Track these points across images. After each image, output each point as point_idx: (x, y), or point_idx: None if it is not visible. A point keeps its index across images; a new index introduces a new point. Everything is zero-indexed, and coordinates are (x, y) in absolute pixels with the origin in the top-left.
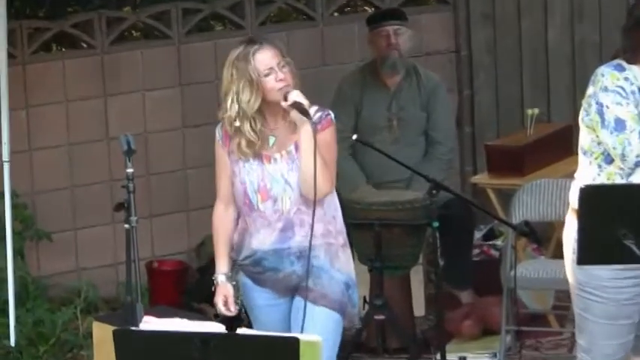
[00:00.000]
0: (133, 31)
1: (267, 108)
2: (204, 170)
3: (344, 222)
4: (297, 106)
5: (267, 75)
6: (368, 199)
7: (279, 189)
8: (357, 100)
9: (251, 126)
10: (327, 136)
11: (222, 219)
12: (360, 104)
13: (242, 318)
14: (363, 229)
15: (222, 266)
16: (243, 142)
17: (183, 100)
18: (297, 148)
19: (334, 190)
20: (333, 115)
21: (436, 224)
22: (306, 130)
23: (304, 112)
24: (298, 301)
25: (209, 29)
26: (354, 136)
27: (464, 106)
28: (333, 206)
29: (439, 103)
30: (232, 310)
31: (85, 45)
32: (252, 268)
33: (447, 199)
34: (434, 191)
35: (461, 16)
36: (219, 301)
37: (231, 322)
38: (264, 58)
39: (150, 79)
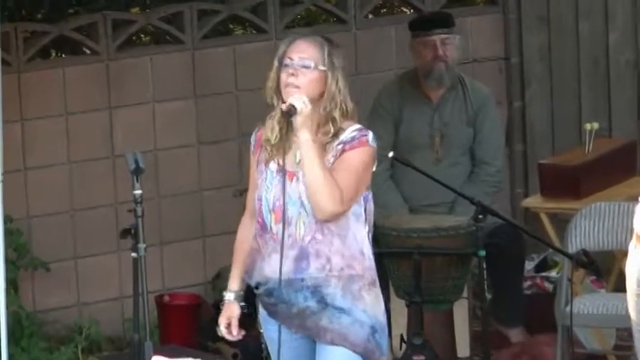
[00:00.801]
0: (142, 35)
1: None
2: (222, 192)
3: (378, 250)
4: (287, 109)
5: (285, 66)
6: (405, 225)
7: (295, 211)
8: (396, 115)
9: (278, 120)
10: (353, 156)
11: (246, 232)
12: (398, 119)
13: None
14: (400, 258)
15: (233, 283)
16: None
17: (198, 113)
18: None
19: (361, 221)
20: (371, 136)
21: (483, 253)
22: (304, 140)
23: (288, 117)
24: (322, 348)
25: (228, 33)
26: (391, 154)
27: (514, 120)
28: (359, 239)
29: (487, 118)
30: (235, 335)
31: (87, 51)
32: (267, 298)
33: (495, 225)
34: (480, 216)
35: (511, 19)
36: (222, 322)
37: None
38: (292, 48)
39: (161, 90)
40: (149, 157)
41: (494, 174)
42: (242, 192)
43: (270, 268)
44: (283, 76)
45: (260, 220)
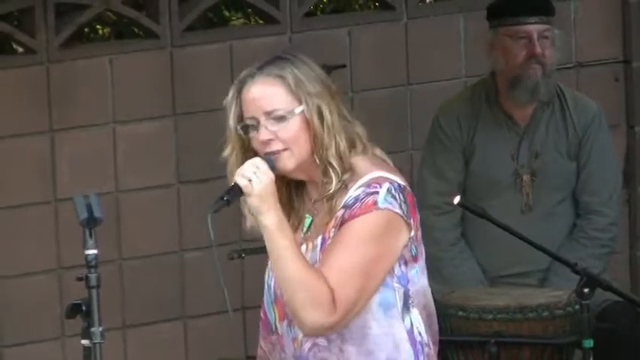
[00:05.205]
0: (99, 27)
1: (304, 170)
2: (212, 254)
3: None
4: (228, 194)
5: (245, 128)
6: (477, 302)
7: None
8: (466, 143)
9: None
10: (353, 229)
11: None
12: (469, 149)
13: None
14: (469, 350)
15: None
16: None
17: (178, 138)
18: (323, 242)
19: (396, 315)
20: (382, 193)
21: (590, 343)
22: (264, 227)
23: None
24: None
25: (222, 23)
26: (456, 199)
27: (636, 151)
28: (390, 344)
29: (598, 148)
30: None
31: (19, 48)
32: None
33: (608, 304)
34: (586, 290)
35: (634, 3)
36: None
37: None
38: (249, 97)
39: (125, 105)
40: (108, 202)
41: (608, 228)
42: (242, 253)
43: None
44: (254, 143)
45: (263, 316)
